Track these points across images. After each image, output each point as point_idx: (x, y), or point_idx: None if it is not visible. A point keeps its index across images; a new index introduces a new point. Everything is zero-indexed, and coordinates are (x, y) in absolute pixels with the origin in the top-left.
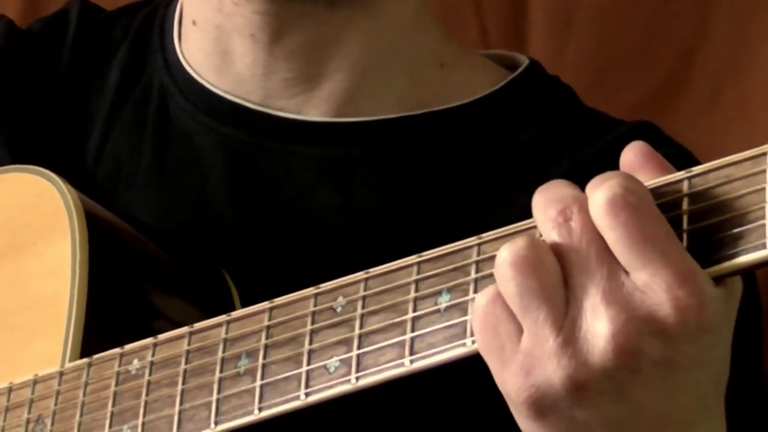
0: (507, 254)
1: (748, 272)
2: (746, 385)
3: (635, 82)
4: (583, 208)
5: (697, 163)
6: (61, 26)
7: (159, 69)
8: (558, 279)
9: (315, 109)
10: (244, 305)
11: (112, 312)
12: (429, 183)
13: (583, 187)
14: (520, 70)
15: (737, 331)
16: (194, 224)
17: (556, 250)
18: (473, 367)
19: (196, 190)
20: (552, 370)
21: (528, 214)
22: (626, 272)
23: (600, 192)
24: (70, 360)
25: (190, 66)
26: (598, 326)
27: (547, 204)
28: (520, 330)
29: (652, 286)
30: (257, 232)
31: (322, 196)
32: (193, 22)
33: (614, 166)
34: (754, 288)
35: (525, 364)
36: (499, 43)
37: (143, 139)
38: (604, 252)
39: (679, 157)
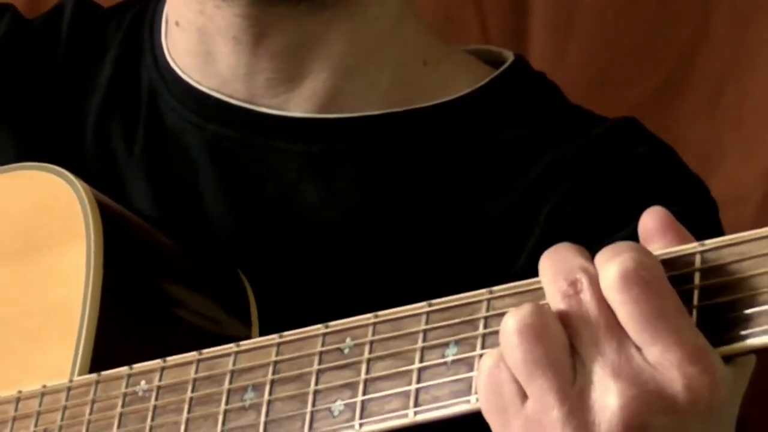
0: (512, 321)
1: (759, 353)
2: None
3: (636, 83)
4: (594, 281)
5: (677, 158)
6: (56, 22)
7: (149, 66)
8: (564, 347)
9: (298, 107)
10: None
11: (125, 322)
12: (412, 179)
13: (565, 183)
14: (504, 66)
15: None
16: (185, 221)
17: (564, 319)
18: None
19: (186, 187)
20: None
21: (512, 212)
22: (637, 347)
23: (613, 266)
24: (80, 369)
25: (176, 64)
26: (606, 399)
27: (556, 274)
28: (524, 393)
29: (663, 362)
30: (243, 228)
31: (307, 191)
32: (176, 23)
33: (596, 161)
34: None
35: (528, 429)
36: (500, 43)
37: (135, 137)
38: (614, 325)
39: (658, 154)
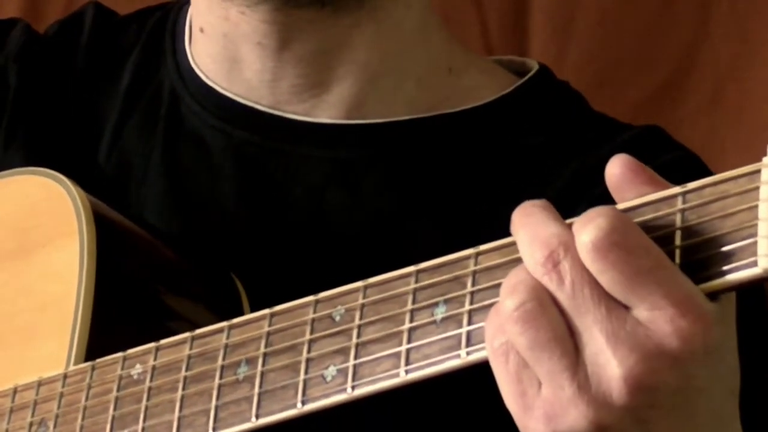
0: (512, 308)
1: (742, 289)
2: (758, 390)
3: (637, 83)
4: (570, 249)
5: (704, 166)
6: (76, 30)
7: (170, 72)
8: (563, 326)
9: (324, 113)
10: (254, 307)
11: (118, 315)
12: (439, 186)
13: (592, 190)
14: (529, 75)
15: (747, 335)
16: (204, 226)
17: (553, 296)
18: (471, 375)
19: (206, 192)
20: (573, 417)
21: None
22: (626, 308)
23: (584, 235)
24: (75, 362)
25: (200, 70)
26: (609, 369)
27: (532, 242)
28: (539, 378)
29: (654, 320)
30: (267, 234)
31: (332, 198)
32: (201, 30)
33: None
34: (761, 289)
35: (547, 411)
36: (500, 43)
37: (154, 142)
38: (599, 292)
39: (685, 161)
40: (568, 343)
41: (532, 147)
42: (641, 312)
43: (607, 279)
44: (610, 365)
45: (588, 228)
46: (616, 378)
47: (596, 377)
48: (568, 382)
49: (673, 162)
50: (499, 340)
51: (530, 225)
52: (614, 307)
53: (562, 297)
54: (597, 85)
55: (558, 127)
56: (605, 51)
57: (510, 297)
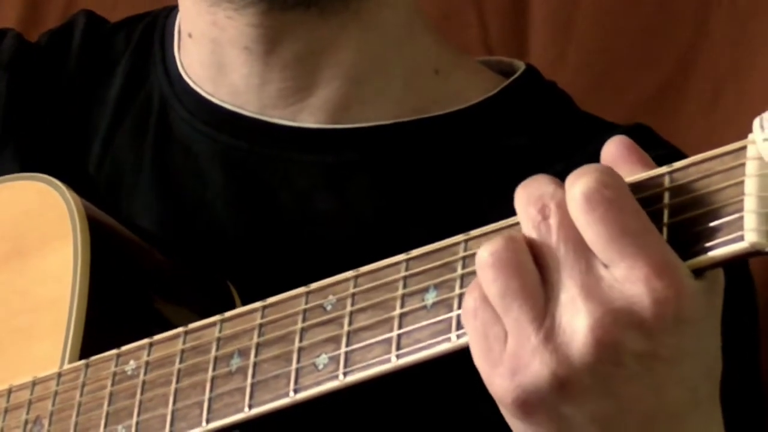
0: (487, 255)
1: (729, 265)
2: (742, 379)
3: (636, 83)
4: (561, 205)
5: None
6: (66, 38)
7: (159, 79)
8: (537, 278)
9: (310, 116)
10: None
11: (112, 317)
12: (425, 188)
13: None
14: (515, 75)
15: (733, 325)
16: (193, 231)
17: (535, 247)
18: (462, 363)
19: (195, 198)
20: (535, 369)
21: None
22: (605, 266)
23: (576, 187)
24: (69, 361)
25: (188, 76)
26: (576, 321)
27: (528, 201)
28: (506, 332)
29: (630, 278)
30: (255, 239)
31: (319, 202)
32: (189, 35)
33: None
34: (749, 281)
35: (511, 365)
36: (499, 44)
37: (144, 148)
38: (581, 247)
39: (673, 158)
40: (539, 294)
41: (519, 148)
42: (619, 269)
43: (591, 233)
44: (578, 316)
45: (581, 180)
46: (581, 329)
47: (562, 327)
48: (535, 332)
49: (662, 159)
50: (471, 296)
51: (529, 186)
52: (593, 263)
53: (546, 250)
54: (596, 85)
55: (545, 128)
56: (605, 51)
57: (486, 246)
